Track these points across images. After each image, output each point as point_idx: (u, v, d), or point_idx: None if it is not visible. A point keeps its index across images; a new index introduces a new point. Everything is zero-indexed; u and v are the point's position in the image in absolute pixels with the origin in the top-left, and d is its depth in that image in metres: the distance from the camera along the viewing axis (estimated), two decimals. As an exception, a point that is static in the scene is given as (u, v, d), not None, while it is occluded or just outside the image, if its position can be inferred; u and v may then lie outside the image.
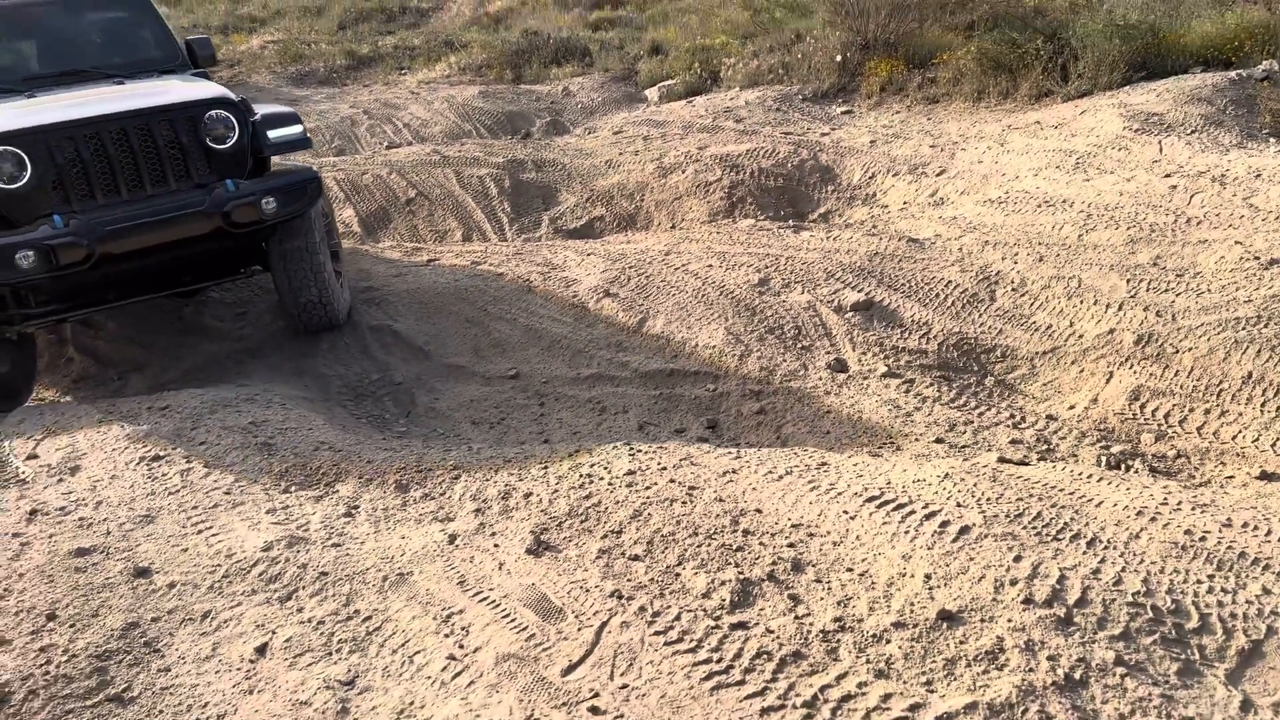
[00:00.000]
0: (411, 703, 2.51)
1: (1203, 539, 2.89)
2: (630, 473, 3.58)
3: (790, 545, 3.00)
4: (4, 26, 5.60)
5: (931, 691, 2.35)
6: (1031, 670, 2.39)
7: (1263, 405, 4.24)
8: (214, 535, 3.31)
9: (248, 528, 3.36)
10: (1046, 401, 4.77)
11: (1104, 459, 4.14)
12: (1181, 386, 4.51)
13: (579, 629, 2.70)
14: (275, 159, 5.50)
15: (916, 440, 4.38)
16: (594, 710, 2.39)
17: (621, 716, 2.37)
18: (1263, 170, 6.55)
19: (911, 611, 2.63)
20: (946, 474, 3.38)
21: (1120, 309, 5.16)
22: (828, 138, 9.40)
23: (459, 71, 15.24)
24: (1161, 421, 4.39)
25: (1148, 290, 5.27)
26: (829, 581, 2.81)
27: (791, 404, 4.85)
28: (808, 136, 9.48)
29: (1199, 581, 2.70)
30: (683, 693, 2.41)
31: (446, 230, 8.32)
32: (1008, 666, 2.42)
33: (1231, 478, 3.95)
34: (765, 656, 2.51)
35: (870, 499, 3.21)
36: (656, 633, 2.64)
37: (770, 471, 3.50)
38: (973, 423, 4.56)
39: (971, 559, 2.82)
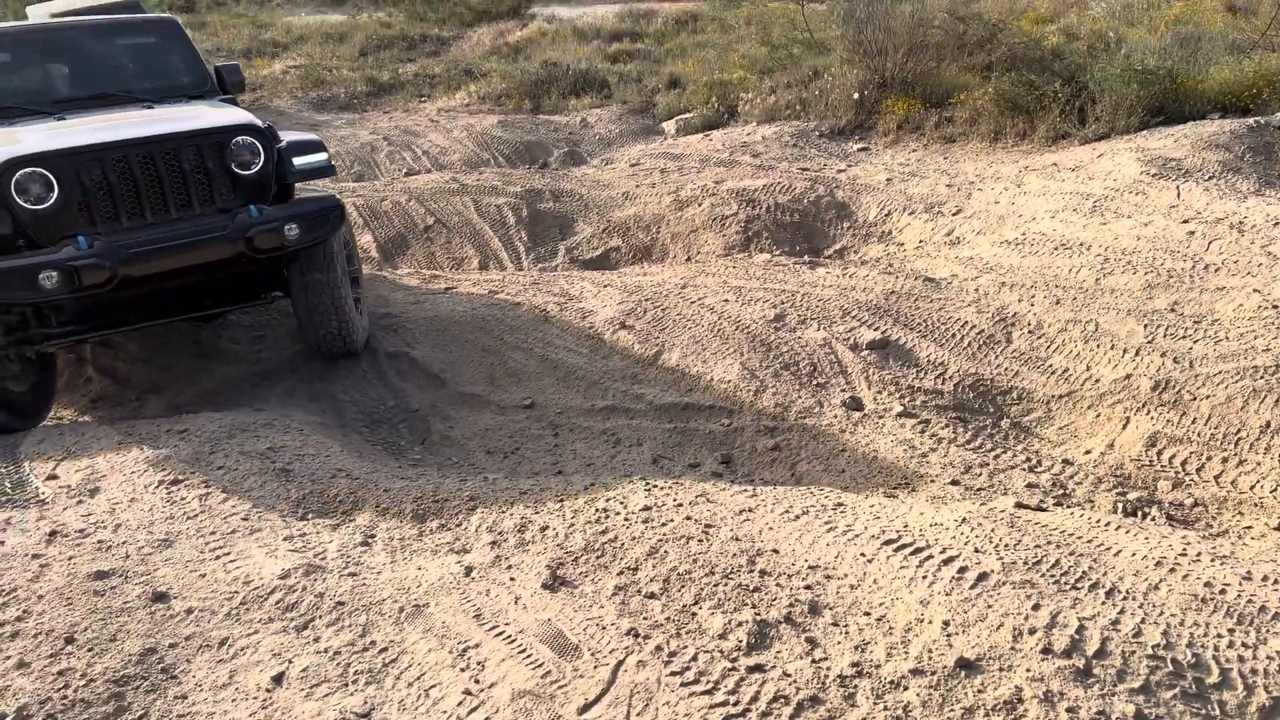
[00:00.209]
0: (427, 737, 2.51)
1: (1223, 592, 2.88)
2: (646, 509, 3.59)
3: (807, 587, 3.00)
4: (37, 50, 5.69)
5: (950, 741, 2.34)
6: (1051, 722, 2.37)
7: (1281, 455, 4.23)
8: (232, 561, 3.33)
9: (265, 554, 3.37)
10: (1062, 445, 4.76)
11: (1121, 506, 4.13)
12: (1199, 434, 4.50)
13: (595, 667, 2.70)
14: (299, 185, 5.56)
15: (932, 482, 4.37)
16: (610, 750, 2.38)
17: (638, 758, 2.36)
18: (1280, 218, 6.57)
19: (930, 658, 2.62)
20: (964, 518, 3.37)
21: (1137, 354, 5.15)
22: (844, 174, 9.46)
23: (478, 100, 15.40)
24: (1179, 469, 4.38)
25: (1165, 336, 5.27)
26: (846, 625, 2.80)
27: (806, 441, 4.85)
28: (824, 173, 9.53)
29: (1219, 635, 2.69)
30: (699, 735, 2.41)
31: (464, 258, 8.37)
32: (1026, 717, 2.40)
33: (1250, 528, 3.94)
34: (783, 700, 2.50)
35: (887, 542, 3.21)
36: (673, 673, 2.63)
37: (786, 511, 3.50)
38: (988, 465, 4.55)
39: (990, 606, 2.81)
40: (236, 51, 20.36)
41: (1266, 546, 3.58)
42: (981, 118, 10.13)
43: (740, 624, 2.82)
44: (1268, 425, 4.36)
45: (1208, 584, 2.92)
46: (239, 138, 4.97)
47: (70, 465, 4.13)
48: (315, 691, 2.68)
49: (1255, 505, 4.05)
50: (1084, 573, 2.98)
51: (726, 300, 6.27)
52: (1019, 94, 9.82)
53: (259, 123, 5.14)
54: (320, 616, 3.01)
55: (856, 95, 11.36)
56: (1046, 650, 2.61)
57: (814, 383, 5.33)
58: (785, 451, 4.79)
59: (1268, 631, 2.70)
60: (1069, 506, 4.10)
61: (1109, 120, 9.09)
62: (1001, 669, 2.57)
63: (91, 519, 3.63)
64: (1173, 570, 3.00)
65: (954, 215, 7.95)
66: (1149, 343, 5.24)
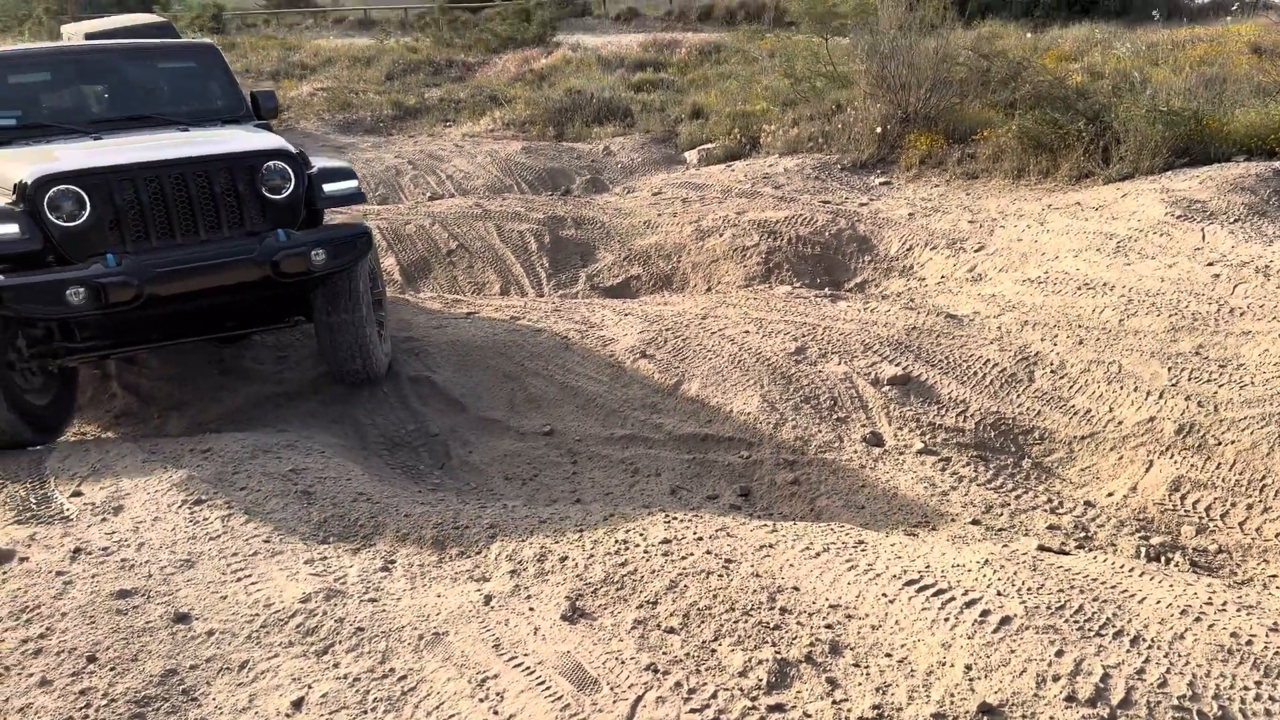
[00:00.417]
0: (445, 768, 2.50)
1: (1249, 643, 2.85)
2: (666, 541, 3.58)
3: (828, 626, 2.98)
4: (77, 70, 5.80)
5: (972, 788, 2.32)
6: (1075, 772, 2.35)
7: (1307, 503, 4.19)
8: (253, 584, 3.34)
9: (286, 577, 3.38)
10: (1084, 487, 4.73)
11: (1144, 550, 4.10)
12: (1224, 479, 4.46)
13: (614, 701, 2.69)
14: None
15: (952, 521, 4.35)
16: (629, 787, 2.37)
17: (656, 796, 2.35)
18: (1306, 262, 6.54)
19: (952, 703, 2.60)
20: (986, 560, 3.35)
21: (1161, 397, 5.13)
22: (866, 208, 9.48)
23: (503, 126, 15.55)
24: (1202, 514, 4.34)
25: (1190, 379, 5.24)
26: (868, 666, 2.79)
27: (826, 476, 4.83)
28: (846, 206, 9.56)
29: (1246, 688, 2.65)
30: (719, 774, 2.39)
31: (485, 282, 8.43)
32: (1050, 766, 2.38)
33: (1275, 576, 3.89)
34: (803, 741, 2.48)
35: (909, 582, 3.19)
36: (692, 710, 2.62)
37: (807, 548, 3.49)
38: (1009, 505, 4.53)
39: (1013, 651, 2.79)
40: (265, 73, 20.65)
41: (1293, 597, 3.53)
42: (1004, 155, 10.15)
43: (760, 662, 2.80)
44: (1294, 472, 4.32)
45: (1234, 634, 2.89)
46: (271, 163, 5.03)
47: (94, 482, 4.16)
48: (335, 718, 2.68)
49: (1280, 554, 4.01)
50: (1108, 619, 2.96)
51: (747, 331, 6.28)
52: (1043, 132, 9.84)
53: (291, 148, 5.21)
54: (340, 642, 3.02)
55: (879, 129, 11.40)
56: (1071, 698, 2.59)
57: (834, 417, 5.32)
58: (805, 486, 4.78)
59: (1295, 685, 2.67)
60: (1091, 550, 4.07)
61: (1133, 160, 9.08)
62: (1024, 716, 2.54)
63: (115, 537, 3.66)
64: (1198, 619, 2.98)
65: (976, 252, 7.95)
66: (1173, 385, 5.21)
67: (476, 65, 21.57)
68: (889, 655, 2.83)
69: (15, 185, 4.63)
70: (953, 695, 2.62)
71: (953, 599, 3.07)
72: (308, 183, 5.20)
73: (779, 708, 2.62)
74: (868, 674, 2.75)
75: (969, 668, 2.73)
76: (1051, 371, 5.60)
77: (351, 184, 5.44)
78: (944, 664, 2.76)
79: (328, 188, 5.29)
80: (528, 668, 2.86)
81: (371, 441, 5.35)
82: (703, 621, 3.03)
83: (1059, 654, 2.77)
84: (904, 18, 11.91)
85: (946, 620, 2.96)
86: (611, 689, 2.74)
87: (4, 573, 3.40)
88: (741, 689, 2.70)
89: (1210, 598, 3.13)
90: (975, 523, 4.34)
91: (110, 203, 4.70)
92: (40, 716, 2.65)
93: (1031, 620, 2.94)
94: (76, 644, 2.97)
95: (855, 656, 2.84)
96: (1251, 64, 12.43)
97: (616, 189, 11.84)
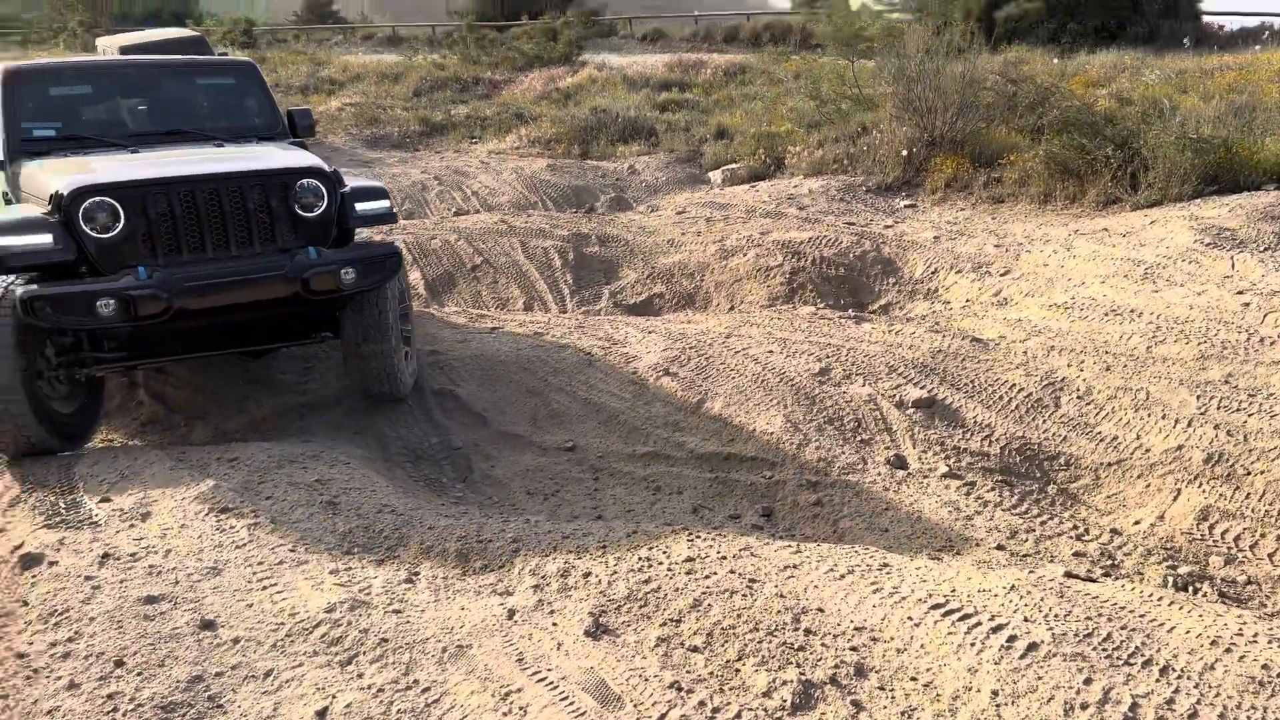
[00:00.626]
0: (467, 782, 2.50)
1: (1281, 675, 2.81)
2: (690, 559, 3.58)
3: (853, 648, 2.97)
4: (117, 85, 5.88)
5: (999, 816, 2.30)
6: (1104, 802, 2.32)
7: (1339, 536, 4.13)
8: (279, 592, 3.36)
9: (311, 587, 3.40)
10: (1110, 515, 4.69)
11: (1171, 580, 4.05)
12: (1253, 510, 4.41)
13: (637, 718, 2.68)
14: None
15: (977, 545, 4.32)
16: (652, 806, 2.36)
17: (680, 815, 2.34)
18: (1337, 292, 6.48)
19: (978, 729, 2.57)
20: (1013, 585, 3.32)
21: (1189, 425, 5.08)
22: (890, 230, 9.48)
23: (528, 144, 15.66)
24: (1231, 545, 4.29)
25: (1218, 408, 5.19)
26: (893, 690, 2.77)
27: (849, 498, 4.81)
28: (870, 228, 9.56)
29: (1278, 721, 2.62)
30: (742, 795, 2.38)
31: (509, 298, 8.47)
32: (1078, 796, 2.35)
33: (1306, 610, 3.84)
34: (827, 764, 2.47)
35: (935, 606, 3.17)
36: (716, 729, 2.61)
37: (832, 570, 3.48)
38: (1034, 531, 4.49)
39: (1040, 678, 2.77)
40: (294, 88, 20.92)
41: (1325, 630, 3.48)
42: (1031, 179, 10.13)
43: (785, 683, 2.79)
44: (1325, 504, 4.27)
45: (1265, 666, 2.86)
46: (304, 180, 5.06)
47: (123, 489, 4.20)
48: (358, 729, 2.69)
49: (1312, 586, 3.95)
50: (1137, 648, 2.92)
51: (771, 351, 6.28)
52: (1070, 157, 9.82)
53: (325, 166, 5.24)
54: (364, 652, 3.03)
55: (905, 152, 11.41)
56: (1099, 727, 2.56)
57: (858, 439, 5.30)
58: (828, 507, 4.76)
59: (1329, 720, 2.63)
60: (1118, 578, 4.03)
61: (1161, 187, 9.05)
62: (1052, 744, 2.52)
63: (143, 543, 3.69)
64: (1229, 650, 2.94)
65: (1002, 276, 7.92)
66: (1201, 414, 5.17)
67: (503, 83, 21.78)
68: (914, 679, 2.81)
69: (51, 196, 4.68)
70: (979, 721, 2.60)
71: (979, 624, 3.04)
72: (340, 201, 5.23)
73: (803, 729, 2.60)
74: (893, 697, 2.74)
75: (996, 693, 2.71)
76: (1078, 397, 5.57)
77: (384, 204, 5.47)
78: (970, 689, 2.74)
79: (360, 207, 5.32)
80: (551, 683, 2.86)
81: (395, 453, 5.38)
82: (726, 641, 3.02)
83: (1087, 682, 2.74)
84: (931, 42, 11.94)
85: (973, 645, 2.94)
86: (635, 706, 2.74)
87: (34, 576, 3.44)
88: (766, 710, 2.68)
89: (1241, 629, 3.09)
90: (1000, 548, 4.31)
91: (144, 215, 4.73)
92: (68, 719, 2.67)
93: (1059, 647, 2.91)
94: (104, 648, 2.99)
95: (880, 680, 2.82)
96: (1281, 92, 12.37)
97: (640, 207, 11.89)
